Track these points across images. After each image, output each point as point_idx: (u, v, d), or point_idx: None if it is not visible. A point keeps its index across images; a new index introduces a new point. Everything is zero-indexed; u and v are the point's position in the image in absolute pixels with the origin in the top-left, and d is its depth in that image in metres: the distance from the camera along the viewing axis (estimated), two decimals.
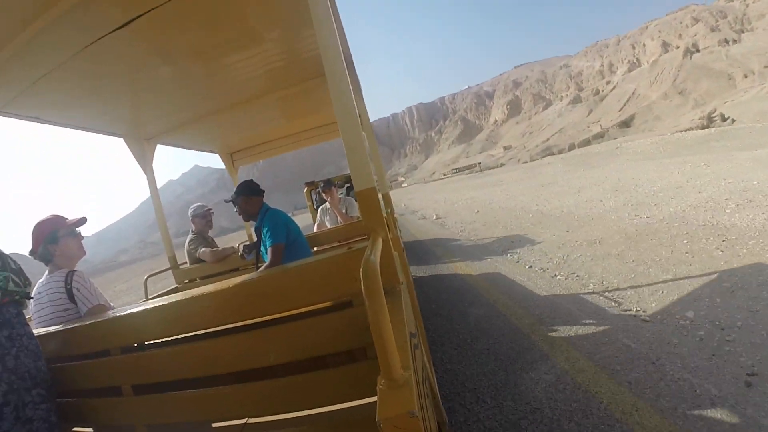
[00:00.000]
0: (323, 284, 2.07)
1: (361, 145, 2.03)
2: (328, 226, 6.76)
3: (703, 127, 59.77)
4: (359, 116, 2.85)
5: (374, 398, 1.32)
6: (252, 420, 2.56)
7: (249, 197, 3.97)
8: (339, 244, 5.37)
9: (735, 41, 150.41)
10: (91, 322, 2.44)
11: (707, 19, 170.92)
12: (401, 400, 1.29)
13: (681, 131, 59.24)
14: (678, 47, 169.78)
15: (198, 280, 5.07)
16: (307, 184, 12.24)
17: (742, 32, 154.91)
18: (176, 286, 5.01)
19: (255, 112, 5.05)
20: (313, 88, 4.55)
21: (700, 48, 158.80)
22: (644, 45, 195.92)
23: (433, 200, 31.13)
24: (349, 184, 11.80)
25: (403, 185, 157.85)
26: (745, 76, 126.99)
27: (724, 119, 78.45)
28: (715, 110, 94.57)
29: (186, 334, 2.29)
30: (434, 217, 19.27)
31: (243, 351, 2.14)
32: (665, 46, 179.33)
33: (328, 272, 2.08)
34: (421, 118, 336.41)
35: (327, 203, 6.92)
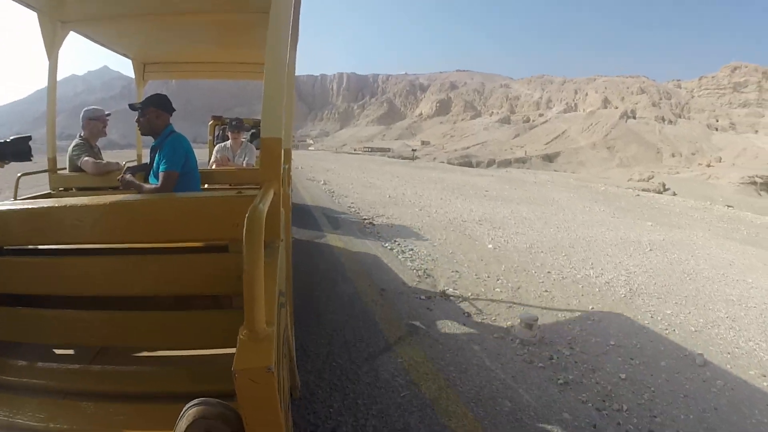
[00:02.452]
0: (204, 223, 2.01)
1: (280, 94, 1.99)
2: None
3: (643, 189, 55.81)
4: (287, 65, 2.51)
5: (234, 349, 1.32)
6: (104, 348, 2.37)
7: (159, 111, 3.56)
8: (230, 187, 5.02)
9: (671, 122, 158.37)
10: None
11: (652, 93, 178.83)
12: (260, 353, 1.30)
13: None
14: (617, 107, 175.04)
15: (74, 189, 4.53)
16: (214, 117, 11.38)
17: (680, 117, 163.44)
18: (50, 191, 4.33)
19: (183, 27, 4.59)
20: (252, 23, 4.10)
21: (637, 116, 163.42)
22: (587, 94, 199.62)
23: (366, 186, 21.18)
24: (254, 131, 10.72)
25: (310, 148, 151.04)
26: (672, 156, 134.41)
27: (665, 188, 75.90)
28: (653, 177, 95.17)
29: (50, 246, 2.19)
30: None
31: (108, 275, 2.06)
32: (606, 102, 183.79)
33: (212, 212, 2.03)
34: (349, 88, 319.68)
35: (228, 143, 6.75)
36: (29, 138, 2.57)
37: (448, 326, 4.84)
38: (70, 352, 2.34)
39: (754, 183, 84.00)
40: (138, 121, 3.63)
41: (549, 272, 7.42)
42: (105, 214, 1.98)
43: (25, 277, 2.07)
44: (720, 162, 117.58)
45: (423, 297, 5.63)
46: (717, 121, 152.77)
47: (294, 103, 5.40)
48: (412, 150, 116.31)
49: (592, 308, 5.88)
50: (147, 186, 3.54)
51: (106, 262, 2.07)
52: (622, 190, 31.09)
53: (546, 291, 6.47)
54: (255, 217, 1.32)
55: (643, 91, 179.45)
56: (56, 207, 2.00)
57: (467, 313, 5.38)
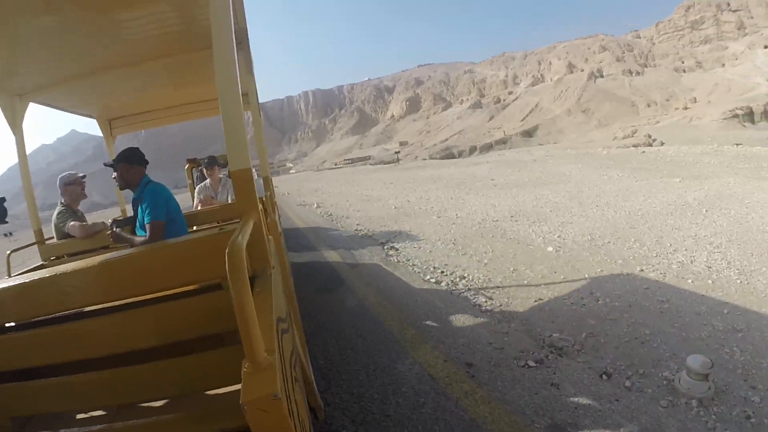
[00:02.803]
0: (194, 265, 2.03)
1: (240, 124, 1.99)
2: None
3: (633, 145, 57.06)
4: (246, 94, 3.00)
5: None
6: (122, 406, 2.39)
7: (131, 165, 3.63)
8: (217, 225, 4.94)
9: (638, 73, 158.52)
10: None
11: (614, 49, 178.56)
12: (264, 382, 1.32)
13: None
14: (583, 70, 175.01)
15: (66, 257, 4.46)
16: (189, 160, 11.37)
17: (646, 66, 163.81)
18: (42, 263, 4.32)
19: (139, 77, 4.63)
20: (204, 60, 4.02)
21: (604, 74, 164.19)
22: (550, 63, 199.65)
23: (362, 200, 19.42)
24: None
25: (290, 171, 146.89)
26: (648, 106, 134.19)
27: (652, 140, 76.31)
28: (636, 131, 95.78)
29: (50, 315, 2.15)
30: None
31: (111, 333, 2.10)
32: (570, 67, 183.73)
33: (199, 253, 2.04)
34: (316, 104, 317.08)
35: (207, 182, 6.63)
36: (3, 199, 2.74)
37: (591, 409, 3.18)
38: (89, 414, 2.35)
39: (736, 116, 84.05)
40: (115, 178, 3.66)
41: (641, 269, 6.17)
42: (97, 274, 1.99)
43: (28, 351, 2.07)
44: (695, 102, 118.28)
45: (532, 363, 3.83)
46: (683, 62, 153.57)
47: (262, 128, 5.32)
48: (395, 153, 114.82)
49: (727, 312, 4.64)
50: (137, 239, 3.54)
51: (105, 322, 2.08)
52: (626, 151, 31.49)
53: (662, 301, 5.01)
54: (234, 250, 1.32)
55: (605, 49, 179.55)
56: (50, 276, 1.99)
57: (606, 371, 3.74)
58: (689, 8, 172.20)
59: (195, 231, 4.63)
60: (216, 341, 2.13)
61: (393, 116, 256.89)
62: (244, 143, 2.00)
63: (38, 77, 4.07)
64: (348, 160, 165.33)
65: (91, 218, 5.22)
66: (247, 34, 4.04)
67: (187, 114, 6.56)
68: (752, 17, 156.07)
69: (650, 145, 57.32)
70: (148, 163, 3.79)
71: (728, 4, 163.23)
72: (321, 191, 26.82)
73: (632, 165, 18.69)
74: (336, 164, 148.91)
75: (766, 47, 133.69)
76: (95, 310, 2.15)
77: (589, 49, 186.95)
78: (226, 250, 1.33)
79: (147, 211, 3.46)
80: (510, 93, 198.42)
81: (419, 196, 16.74)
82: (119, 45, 3.73)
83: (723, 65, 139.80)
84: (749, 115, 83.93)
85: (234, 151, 1.96)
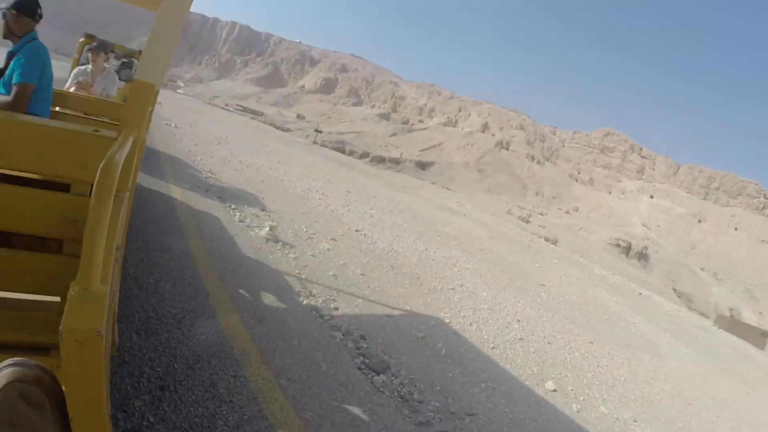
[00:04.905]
0: (50, 155, 1.83)
1: (173, 37, 1.86)
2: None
3: (532, 233, 56.65)
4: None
5: (57, 298, 1.31)
6: None
7: (21, 14, 3.32)
8: (84, 116, 4.51)
9: (539, 163, 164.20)
10: None
11: (530, 132, 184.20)
12: (91, 314, 1.22)
13: None
14: (494, 135, 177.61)
15: None
16: (87, 35, 9.86)
17: (548, 160, 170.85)
18: None
19: None
20: None
21: (510, 148, 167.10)
22: (470, 114, 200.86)
23: None
24: (126, 60, 10.34)
25: (178, 90, 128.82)
26: (536, 194, 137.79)
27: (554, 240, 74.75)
28: (530, 215, 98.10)
29: None
30: None
31: None
32: (485, 128, 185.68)
33: (61, 145, 1.84)
34: (238, 39, 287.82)
35: (89, 66, 6.18)
36: None
37: None
38: None
39: (618, 246, 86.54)
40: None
41: None
42: None
43: None
44: (577, 211, 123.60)
45: None
46: (579, 173, 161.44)
47: (178, 39, 3.62)
48: (316, 131, 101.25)
49: None
50: None
51: None
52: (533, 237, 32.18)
53: None
54: (110, 168, 1.21)
55: (522, 128, 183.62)
56: None
57: None
58: (608, 135, 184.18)
59: (57, 112, 4.12)
60: (37, 243, 1.85)
61: (303, 87, 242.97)
62: (164, 60, 1.81)
63: None
64: (241, 107, 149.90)
65: None
66: None
67: None
68: (653, 169, 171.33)
69: (551, 242, 54.78)
70: (41, 17, 3.45)
71: (641, 149, 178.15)
72: (231, 149, 19.21)
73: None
74: (227, 105, 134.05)
75: (651, 197, 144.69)
76: None
77: (508, 120, 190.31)
78: (101, 165, 1.21)
79: (19, 71, 3.18)
80: (421, 121, 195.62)
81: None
82: None
83: (610, 192, 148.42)
84: (627, 249, 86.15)
85: (150, 61, 1.76)
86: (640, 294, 24.98)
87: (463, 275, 11.09)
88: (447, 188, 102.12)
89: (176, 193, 8.65)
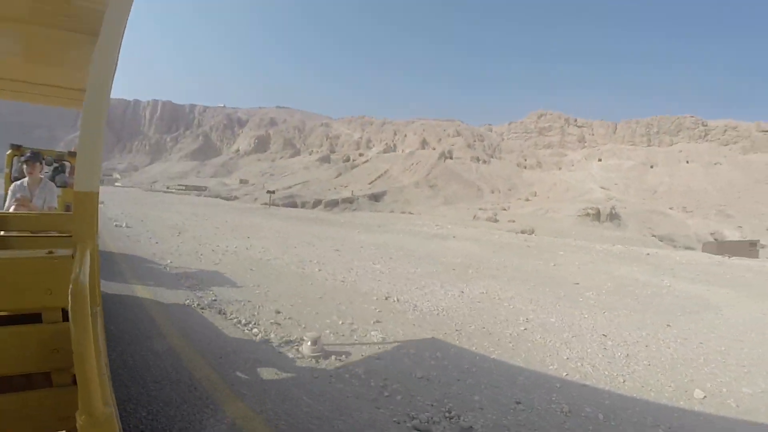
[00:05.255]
0: (10, 289, 1.68)
1: (101, 137, 1.71)
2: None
3: (508, 231, 59.37)
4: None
5: None
6: None
7: None
8: (31, 234, 4.33)
9: (485, 162, 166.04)
10: None
11: (467, 136, 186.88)
12: None
13: None
14: (435, 149, 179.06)
15: None
16: (14, 147, 9.92)
17: (493, 157, 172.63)
18: None
19: None
20: (74, 43, 3.60)
21: (454, 156, 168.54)
22: (405, 135, 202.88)
23: None
24: (57, 165, 10.22)
25: (116, 184, 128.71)
26: (492, 192, 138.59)
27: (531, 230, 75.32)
28: (497, 213, 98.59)
29: None
30: None
31: None
32: (424, 144, 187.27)
33: (19, 276, 1.70)
34: (163, 117, 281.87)
35: (25, 180, 5.96)
36: None
37: None
38: None
39: (588, 215, 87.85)
40: None
41: None
42: None
43: None
44: (536, 196, 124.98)
45: None
46: (525, 160, 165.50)
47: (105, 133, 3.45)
48: (269, 192, 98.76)
49: None
50: None
51: None
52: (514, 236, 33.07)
53: None
54: (79, 291, 1.18)
55: (459, 134, 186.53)
56: None
57: None
58: (541, 116, 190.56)
59: (3, 237, 4.02)
60: (22, 383, 1.67)
61: (238, 150, 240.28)
62: (98, 162, 1.69)
63: None
64: (182, 186, 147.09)
65: None
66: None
67: (32, 95, 5.34)
68: (593, 134, 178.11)
69: (528, 233, 54.69)
70: None
71: (575, 120, 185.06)
72: (195, 237, 18.09)
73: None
74: (168, 188, 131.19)
75: (599, 160, 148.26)
76: None
77: (444, 131, 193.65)
78: (70, 289, 1.18)
79: None
80: (361, 155, 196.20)
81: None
82: None
83: (560, 169, 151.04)
84: (597, 215, 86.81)
85: (86, 168, 1.66)
86: (648, 254, 25.10)
87: (516, 308, 10.63)
88: (409, 213, 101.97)
89: (171, 311, 7.59)
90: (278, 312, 8.33)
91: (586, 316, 10.36)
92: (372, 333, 7.68)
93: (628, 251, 26.20)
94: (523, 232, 51.87)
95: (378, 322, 8.44)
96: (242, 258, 14.11)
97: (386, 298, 10.31)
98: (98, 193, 1.75)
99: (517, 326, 8.98)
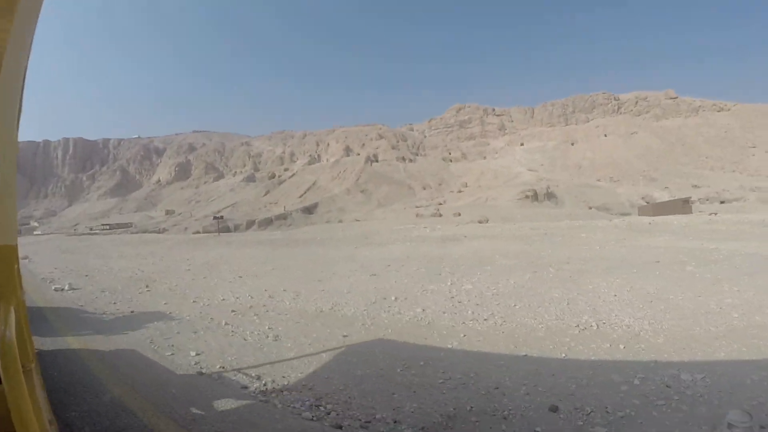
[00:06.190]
0: None
1: (12, 187, 1.61)
2: None
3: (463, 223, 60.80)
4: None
5: None
6: None
7: None
8: None
9: (411, 161, 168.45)
10: None
11: (390, 138, 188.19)
12: None
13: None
14: (359, 154, 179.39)
15: None
16: None
17: (418, 155, 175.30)
18: None
19: None
20: None
21: (379, 159, 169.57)
22: (328, 144, 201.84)
23: None
24: None
25: (35, 232, 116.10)
26: (423, 188, 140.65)
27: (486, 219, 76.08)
28: (439, 208, 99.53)
29: None
30: None
31: None
32: (348, 151, 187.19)
33: None
34: (76, 155, 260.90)
35: None
36: None
37: None
38: None
39: (527, 197, 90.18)
40: None
41: None
42: None
43: None
44: (467, 187, 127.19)
45: None
46: (450, 154, 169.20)
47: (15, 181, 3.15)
48: (215, 218, 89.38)
49: None
50: None
51: None
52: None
53: None
54: (8, 351, 1.11)
55: (381, 137, 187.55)
56: None
57: None
58: (460, 110, 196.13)
59: None
60: None
61: (159, 181, 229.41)
62: (12, 213, 1.58)
63: None
64: (106, 225, 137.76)
65: None
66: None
67: None
68: (512, 121, 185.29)
69: (486, 221, 54.41)
70: None
71: (493, 110, 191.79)
72: (168, 286, 14.80)
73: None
74: (92, 229, 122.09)
75: (522, 144, 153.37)
76: None
77: (366, 135, 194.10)
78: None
79: None
80: (286, 170, 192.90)
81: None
82: None
83: (485, 158, 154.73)
84: (535, 196, 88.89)
85: (3, 221, 1.57)
86: (650, 223, 25.77)
87: (579, 295, 11.02)
88: (341, 221, 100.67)
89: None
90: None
91: (736, 289, 10.57)
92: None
93: (633, 223, 26.40)
94: (479, 221, 51.33)
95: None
96: (310, 316, 10.88)
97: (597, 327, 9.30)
98: (17, 246, 1.59)
99: (598, 317, 9.61)
